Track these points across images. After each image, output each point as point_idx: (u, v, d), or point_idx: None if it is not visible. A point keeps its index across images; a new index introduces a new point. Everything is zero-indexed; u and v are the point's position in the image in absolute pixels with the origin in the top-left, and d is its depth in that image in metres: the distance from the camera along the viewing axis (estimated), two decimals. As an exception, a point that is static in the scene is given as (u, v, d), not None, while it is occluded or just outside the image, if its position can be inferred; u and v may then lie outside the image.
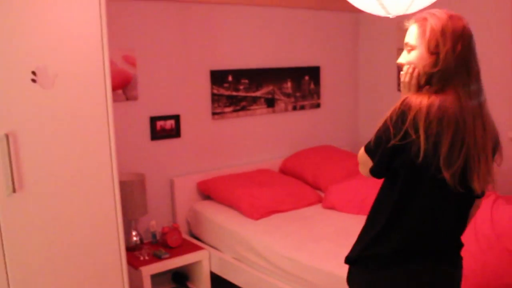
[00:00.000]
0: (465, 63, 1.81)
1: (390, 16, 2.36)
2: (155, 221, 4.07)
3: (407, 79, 1.92)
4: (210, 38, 4.40)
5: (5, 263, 2.74)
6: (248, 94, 4.69)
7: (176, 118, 4.25)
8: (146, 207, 3.90)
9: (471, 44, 1.83)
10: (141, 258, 3.74)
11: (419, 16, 1.89)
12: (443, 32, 1.80)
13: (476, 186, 1.81)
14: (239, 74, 4.61)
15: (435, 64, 1.82)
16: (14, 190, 2.71)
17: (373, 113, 5.49)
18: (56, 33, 2.77)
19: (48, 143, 2.82)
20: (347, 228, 3.56)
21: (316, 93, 5.22)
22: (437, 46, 1.80)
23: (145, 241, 4.07)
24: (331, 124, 5.46)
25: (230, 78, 4.55)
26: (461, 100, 1.77)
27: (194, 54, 4.32)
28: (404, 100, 1.80)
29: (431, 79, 1.85)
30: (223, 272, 3.81)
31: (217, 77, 4.47)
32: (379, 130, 1.86)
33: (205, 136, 4.46)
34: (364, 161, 1.99)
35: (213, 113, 4.46)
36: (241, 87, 4.63)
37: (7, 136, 2.66)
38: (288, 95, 4.99)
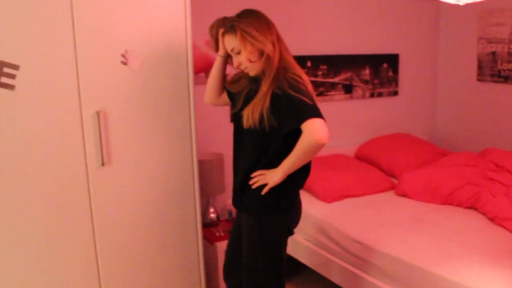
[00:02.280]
0: None
1: (460, 3, 2.37)
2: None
3: None
4: (289, 24, 4.45)
5: (93, 233, 2.96)
6: (327, 80, 4.75)
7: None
8: (223, 185, 4.06)
9: None
10: (217, 234, 3.91)
11: None
12: None
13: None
14: (318, 60, 4.68)
15: None
16: (103, 163, 2.92)
17: (451, 103, 5.44)
18: (144, 19, 2.95)
19: (134, 121, 3.01)
20: (418, 215, 3.59)
21: (394, 80, 5.22)
22: None
23: (221, 218, 4.24)
24: (408, 112, 5.45)
25: (309, 64, 4.63)
26: None
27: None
28: None
29: None
30: (294, 252, 3.88)
31: (297, 62, 4.52)
32: (306, 102, 2.42)
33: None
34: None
35: (291, 98, 4.52)
36: (320, 72, 4.70)
37: (98, 114, 2.86)
38: (366, 82, 5.03)
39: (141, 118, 3.02)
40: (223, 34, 2.58)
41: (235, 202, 2.81)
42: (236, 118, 2.72)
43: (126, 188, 3.03)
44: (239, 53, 2.53)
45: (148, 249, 3.17)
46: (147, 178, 3.10)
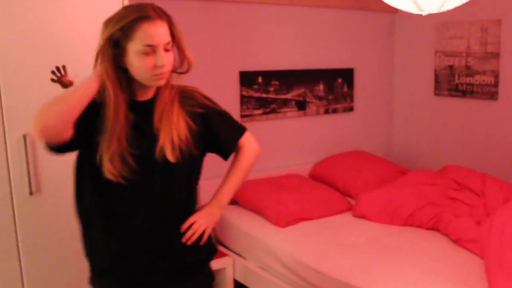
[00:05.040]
0: None
1: (423, 13, 2.26)
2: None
3: None
4: (239, 38, 4.28)
5: (20, 267, 2.67)
6: (279, 97, 4.55)
7: (204, 119, 4.13)
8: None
9: None
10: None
11: None
12: None
13: None
14: (269, 76, 4.48)
15: None
16: (31, 193, 2.64)
17: (408, 118, 5.33)
18: (78, 32, 2.69)
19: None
20: (377, 238, 3.42)
21: (350, 96, 5.06)
22: None
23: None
24: (364, 129, 5.30)
25: (260, 80, 4.42)
26: None
27: (223, 54, 4.20)
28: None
29: None
30: (247, 280, 3.67)
31: (247, 78, 4.34)
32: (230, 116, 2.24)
33: (232, 138, 4.33)
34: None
35: (242, 115, 4.33)
36: (271, 89, 4.49)
37: (24, 137, 2.59)
38: (320, 98, 4.84)
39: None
40: (152, 20, 1.85)
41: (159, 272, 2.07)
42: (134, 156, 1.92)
43: (57, 220, 2.73)
44: (168, 50, 1.91)
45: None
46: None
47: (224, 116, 2.19)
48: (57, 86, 2.62)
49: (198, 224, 2.09)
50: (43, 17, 2.59)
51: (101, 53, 1.87)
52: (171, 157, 1.92)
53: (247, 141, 2.23)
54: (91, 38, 2.67)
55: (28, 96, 2.58)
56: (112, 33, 1.83)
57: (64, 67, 2.62)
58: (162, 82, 1.92)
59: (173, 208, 2.04)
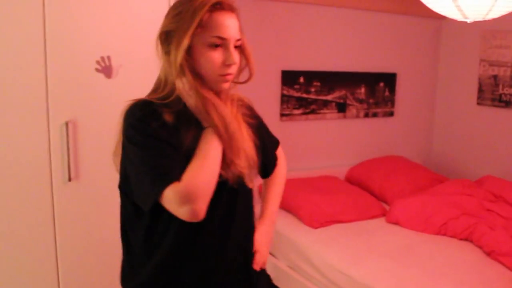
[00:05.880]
0: None
1: (468, 20, 2.23)
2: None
3: None
4: (283, 38, 4.30)
5: (56, 254, 2.73)
6: (319, 97, 4.55)
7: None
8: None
9: None
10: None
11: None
12: None
13: None
14: (311, 76, 4.48)
15: None
16: (69, 179, 2.69)
17: (449, 126, 5.26)
18: (123, 24, 2.74)
19: (107, 133, 2.78)
20: (409, 245, 3.39)
21: (391, 101, 5.02)
22: None
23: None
24: (404, 134, 5.25)
25: (301, 80, 4.43)
26: None
27: (267, 53, 4.23)
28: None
29: None
30: (276, 279, 3.68)
31: (288, 77, 4.36)
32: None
33: (271, 137, 4.35)
34: None
35: (282, 114, 4.35)
36: (313, 89, 4.50)
37: (66, 124, 2.64)
38: (360, 101, 4.82)
39: (114, 129, 2.80)
40: (225, 10, 1.61)
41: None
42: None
43: (93, 207, 2.79)
44: (236, 48, 1.64)
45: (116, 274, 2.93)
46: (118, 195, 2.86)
47: (266, 127, 1.95)
48: (101, 75, 2.69)
49: (265, 251, 1.94)
50: (90, 8, 2.64)
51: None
52: (250, 184, 1.74)
53: (280, 152, 2.06)
54: (136, 30, 2.76)
55: (73, 85, 2.64)
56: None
57: (108, 57, 2.68)
58: (226, 85, 1.64)
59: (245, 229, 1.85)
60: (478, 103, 4.87)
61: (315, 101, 4.53)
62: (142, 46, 2.80)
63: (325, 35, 4.54)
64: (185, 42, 1.53)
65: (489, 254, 3.27)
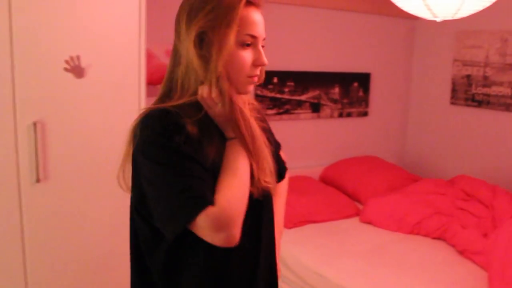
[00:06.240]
0: None
1: (437, 19, 2.24)
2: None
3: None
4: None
5: (24, 256, 2.68)
6: (293, 98, 4.54)
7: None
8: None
9: None
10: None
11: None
12: None
13: None
14: (285, 76, 4.47)
15: None
16: (38, 180, 2.64)
17: (423, 126, 5.28)
18: (92, 22, 2.69)
19: (76, 133, 2.74)
20: (383, 245, 3.40)
21: (365, 100, 5.03)
22: None
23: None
24: (378, 134, 5.26)
25: (275, 80, 4.41)
26: None
27: (240, 52, 4.19)
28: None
29: None
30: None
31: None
32: None
33: (244, 137, 4.32)
34: None
35: (255, 115, 4.32)
36: (286, 89, 4.49)
37: (35, 125, 2.59)
38: (335, 101, 4.82)
39: (84, 130, 2.75)
40: (256, 7, 1.54)
41: None
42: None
43: (63, 209, 2.74)
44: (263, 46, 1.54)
45: (85, 276, 2.89)
46: (87, 197, 2.82)
47: (271, 129, 1.76)
48: (69, 75, 2.64)
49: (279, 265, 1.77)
50: (58, 6, 2.59)
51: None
52: (274, 193, 1.62)
53: (283, 155, 1.88)
54: (106, 29, 2.72)
55: (41, 84, 2.59)
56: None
57: (78, 57, 2.64)
58: (251, 88, 1.51)
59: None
60: (451, 103, 4.90)
61: (289, 101, 4.51)
62: (112, 45, 2.76)
63: (299, 35, 4.52)
64: (230, 45, 1.39)
65: (461, 252, 3.30)
